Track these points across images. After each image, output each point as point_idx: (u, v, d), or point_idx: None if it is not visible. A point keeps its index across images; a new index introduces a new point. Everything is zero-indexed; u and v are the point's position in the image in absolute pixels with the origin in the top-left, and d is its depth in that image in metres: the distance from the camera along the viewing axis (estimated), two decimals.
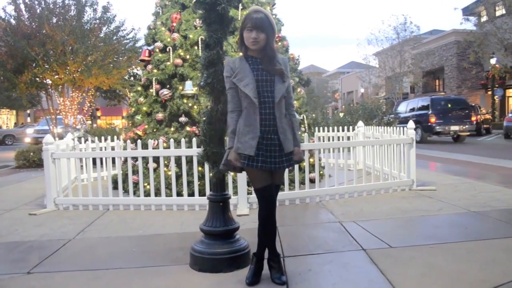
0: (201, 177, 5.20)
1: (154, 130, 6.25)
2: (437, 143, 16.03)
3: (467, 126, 15.61)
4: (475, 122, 16.53)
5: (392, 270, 2.99)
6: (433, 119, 14.49)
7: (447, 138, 17.05)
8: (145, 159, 5.46)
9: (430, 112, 15.30)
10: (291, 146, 2.78)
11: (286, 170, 5.03)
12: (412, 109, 17.43)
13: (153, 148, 5.23)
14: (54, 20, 15.49)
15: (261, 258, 2.90)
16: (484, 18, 27.73)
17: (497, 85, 27.86)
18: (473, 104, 23.67)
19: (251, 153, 2.66)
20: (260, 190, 2.77)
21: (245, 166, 2.72)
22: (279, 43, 6.84)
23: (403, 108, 18.46)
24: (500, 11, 26.48)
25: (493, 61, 25.77)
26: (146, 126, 6.29)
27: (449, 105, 16.22)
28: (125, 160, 5.73)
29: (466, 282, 2.77)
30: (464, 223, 4.20)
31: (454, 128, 14.88)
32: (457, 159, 10.06)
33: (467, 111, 16.34)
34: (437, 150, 12.66)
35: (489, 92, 29.25)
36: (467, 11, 29.54)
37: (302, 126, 6.68)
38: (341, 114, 19.17)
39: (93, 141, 6.79)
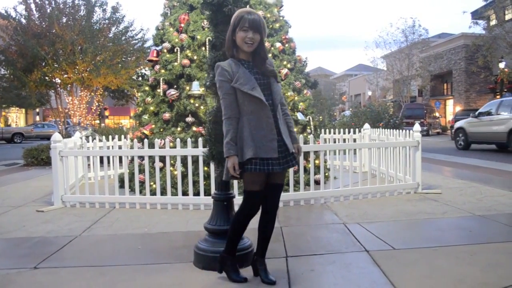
0: (207, 177, 5.23)
1: (161, 129, 6.30)
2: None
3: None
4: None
5: (394, 271, 3.01)
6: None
7: None
8: (151, 158, 5.51)
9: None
10: (291, 146, 2.80)
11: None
12: None
13: (159, 148, 5.28)
14: (64, 20, 15.66)
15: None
16: (493, 22, 27.60)
17: (505, 90, 27.62)
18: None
19: (274, 155, 2.65)
20: (258, 192, 2.74)
21: (257, 170, 2.63)
22: (286, 45, 6.86)
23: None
24: (509, 15, 26.32)
25: (502, 65, 25.57)
26: (153, 126, 6.34)
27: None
28: (132, 159, 5.80)
29: (468, 284, 2.78)
30: (469, 227, 4.19)
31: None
32: (464, 163, 10.01)
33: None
34: (444, 154, 12.61)
35: (498, 97, 28.97)
36: (476, 15, 29.35)
37: (308, 127, 6.69)
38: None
39: (100, 140, 6.86)
